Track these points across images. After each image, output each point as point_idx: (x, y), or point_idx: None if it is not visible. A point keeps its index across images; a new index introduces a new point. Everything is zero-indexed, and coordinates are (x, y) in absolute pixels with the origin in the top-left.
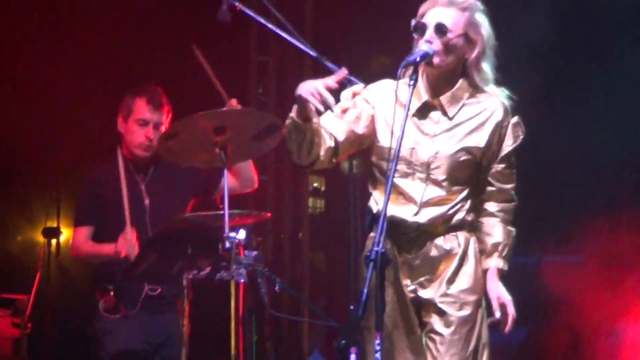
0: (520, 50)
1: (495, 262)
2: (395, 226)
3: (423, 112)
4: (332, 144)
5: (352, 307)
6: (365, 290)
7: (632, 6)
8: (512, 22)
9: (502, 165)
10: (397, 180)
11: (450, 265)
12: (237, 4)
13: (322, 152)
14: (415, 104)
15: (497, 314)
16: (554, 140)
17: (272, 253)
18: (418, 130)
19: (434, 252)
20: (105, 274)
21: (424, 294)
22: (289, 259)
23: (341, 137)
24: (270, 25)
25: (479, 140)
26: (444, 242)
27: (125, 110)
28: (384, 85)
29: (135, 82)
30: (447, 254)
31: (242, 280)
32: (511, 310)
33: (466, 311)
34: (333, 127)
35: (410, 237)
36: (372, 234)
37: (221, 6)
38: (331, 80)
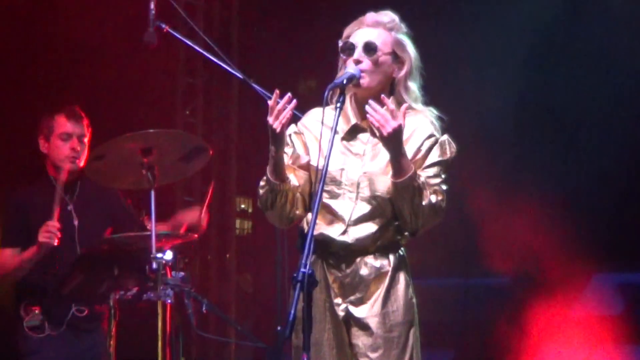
0: None
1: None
2: (325, 245)
3: (352, 134)
4: (303, 196)
5: (279, 328)
6: (292, 311)
7: None
8: None
9: (427, 174)
10: (328, 201)
11: (381, 286)
12: (164, 26)
13: (299, 210)
14: (344, 128)
15: None
16: None
17: (199, 274)
18: (348, 151)
19: (364, 271)
20: (30, 292)
21: (355, 312)
22: (216, 280)
23: (306, 187)
24: (197, 48)
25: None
26: (374, 260)
27: (46, 130)
28: (313, 113)
29: (61, 103)
30: (378, 272)
31: (169, 301)
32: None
33: (395, 333)
34: (295, 179)
35: (340, 256)
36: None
37: (148, 28)
38: (272, 101)
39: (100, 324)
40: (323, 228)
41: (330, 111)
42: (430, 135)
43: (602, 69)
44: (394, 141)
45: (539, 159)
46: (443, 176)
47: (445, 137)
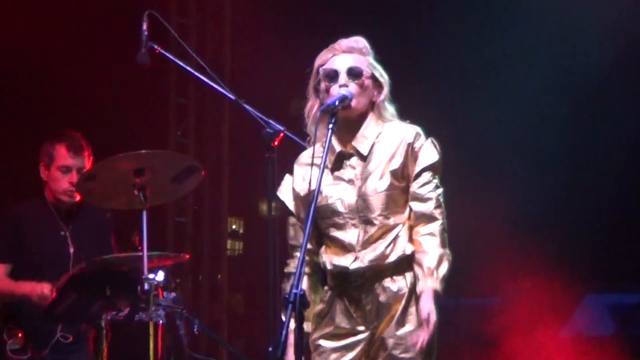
0: None
1: (431, 284)
2: (342, 277)
3: (339, 162)
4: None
5: (270, 348)
6: (283, 332)
7: None
8: None
9: (417, 185)
10: (335, 234)
11: (398, 307)
12: (156, 46)
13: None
14: (331, 158)
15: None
16: None
17: (190, 294)
18: (340, 180)
19: (382, 297)
20: (15, 315)
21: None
22: (208, 301)
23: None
24: (189, 68)
25: (395, 164)
26: (391, 283)
27: (46, 158)
28: (302, 156)
29: (54, 123)
30: (396, 296)
31: (161, 322)
32: (428, 328)
33: (411, 353)
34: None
35: (357, 285)
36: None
37: (140, 48)
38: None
39: (84, 345)
40: (336, 260)
41: (317, 147)
42: (414, 142)
43: None
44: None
45: (531, 179)
46: (435, 181)
47: (429, 140)
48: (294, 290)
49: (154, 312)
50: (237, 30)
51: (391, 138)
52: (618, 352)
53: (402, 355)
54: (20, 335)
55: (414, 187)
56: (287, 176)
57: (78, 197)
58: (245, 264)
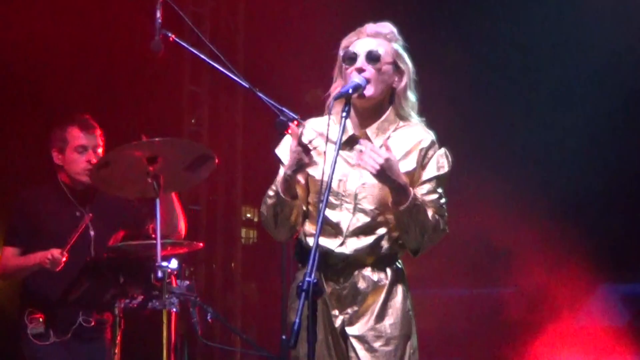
0: None
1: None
2: (323, 257)
3: (350, 144)
4: (304, 207)
5: (283, 337)
6: (297, 321)
7: None
8: None
9: (421, 192)
10: (326, 212)
11: (378, 299)
12: (170, 34)
13: (299, 223)
14: (342, 138)
15: None
16: None
17: (204, 283)
18: (345, 163)
19: (361, 284)
20: (34, 299)
21: (352, 330)
22: (221, 289)
23: (303, 193)
24: (203, 56)
25: (405, 166)
26: (371, 273)
27: (60, 143)
28: (312, 124)
29: (67, 112)
30: (375, 286)
31: (174, 310)
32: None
33: (392, 346)
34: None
35: (338, 268)
36: (301, 266)
37: (154, 36)
38: (294, 144)
39: (103, 332)
40: (321, 240)
41: (332, 124)
42: (429, 149)
43: None
44: (385, 176)
45: (545, 171)
46: (439, 191)
47: (443, 150)
48: (307, 279)
49: (167, 300)
50: (251, 18)
51: (407, 138)
52: (633, 341)
53: (383, 348)
54: (41, 319)
55: (418, 192)
56: (288, 136)
57: None
58: (260, 252)
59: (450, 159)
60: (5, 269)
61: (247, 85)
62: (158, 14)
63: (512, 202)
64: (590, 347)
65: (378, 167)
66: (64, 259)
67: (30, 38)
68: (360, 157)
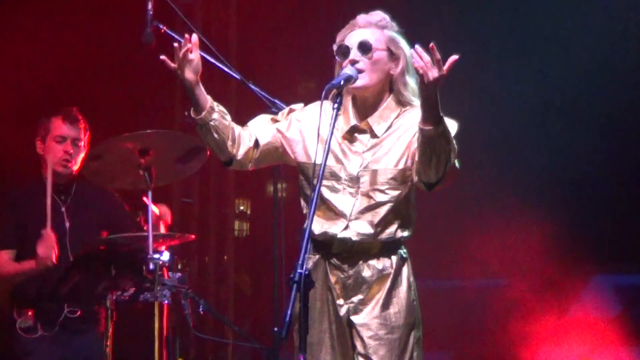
0: None
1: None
2: (328, 245)
3: (352, 134)
4: (251, 144)
5: (275, 329)
6: (288, 312)
7: None
8: None
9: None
10: (328, 196)
11: (383, 287)
12: (161, 26)
13: (240, 152)
14: (344, 127)
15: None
16: None
17: (196, 275)
18: (347, 150)
19: (366, 272)
20: (24, 294)
21: (357, 319)
22: (214, 281)
23: (264, 140)
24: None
25: (408, 149)
26: (376, 261)
27: (43, 131)
28: (311, 109)
29: (59, 105)
30: (380, 274)
31: (166, 302)
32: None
33: (396, 335)
34: (258, 129)
35: (342, 257)
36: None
37: (145, 28)
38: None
39: (94, 325)
40: (325, 226)
41: (330, 107)
42: None
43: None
44: (433, 89)
45: (537, 161)
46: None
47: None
48: (299, 270)
49: (159, 292)
50: (243, 9)
51: (411, 121)
52: (626, 332)
53: (387, 336)
54: (30, 313)
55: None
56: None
57: (75, 167)
58: (252, 244)
59: (457, 124)
60: (1, 274)
61: (239, 78)
62: (149, 6)
63: (502, 190)
64: (583, 338)
65: (436, 76)
66: (56, 252)
67: (15, 28)
68: (417, 60)
